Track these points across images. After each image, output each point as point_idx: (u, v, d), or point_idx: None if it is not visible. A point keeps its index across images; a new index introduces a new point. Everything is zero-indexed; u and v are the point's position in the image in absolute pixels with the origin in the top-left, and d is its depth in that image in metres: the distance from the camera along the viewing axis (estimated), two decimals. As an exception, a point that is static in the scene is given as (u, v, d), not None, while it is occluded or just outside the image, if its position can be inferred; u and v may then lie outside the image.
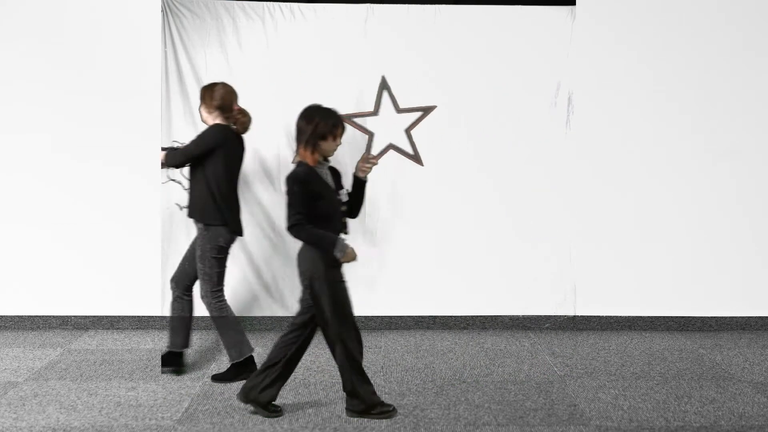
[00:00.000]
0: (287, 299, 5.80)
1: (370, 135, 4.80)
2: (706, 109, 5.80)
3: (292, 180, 3.87)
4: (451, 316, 5.89)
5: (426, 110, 4.70)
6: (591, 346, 5.45)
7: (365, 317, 5.87)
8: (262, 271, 5.81)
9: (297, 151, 3.97)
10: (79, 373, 4.77)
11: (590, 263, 5.83)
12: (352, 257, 3.93)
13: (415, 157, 4.58)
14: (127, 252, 5.73)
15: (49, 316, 5.82)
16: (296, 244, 5.80)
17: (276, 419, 4.02)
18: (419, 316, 5.89)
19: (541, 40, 5.77)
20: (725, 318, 5.92)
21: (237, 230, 4.74)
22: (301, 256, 3.99)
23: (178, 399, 4.31)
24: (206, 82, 5.69)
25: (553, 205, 5.81)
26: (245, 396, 4.07)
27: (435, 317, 5.91)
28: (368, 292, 5.83)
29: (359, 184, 4.08)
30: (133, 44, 5.68)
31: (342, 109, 4.26)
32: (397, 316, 5.88)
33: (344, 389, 4.08)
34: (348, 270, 5.78)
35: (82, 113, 5.68)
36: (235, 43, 5.72)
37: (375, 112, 4.70)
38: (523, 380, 4.67)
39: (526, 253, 5.82)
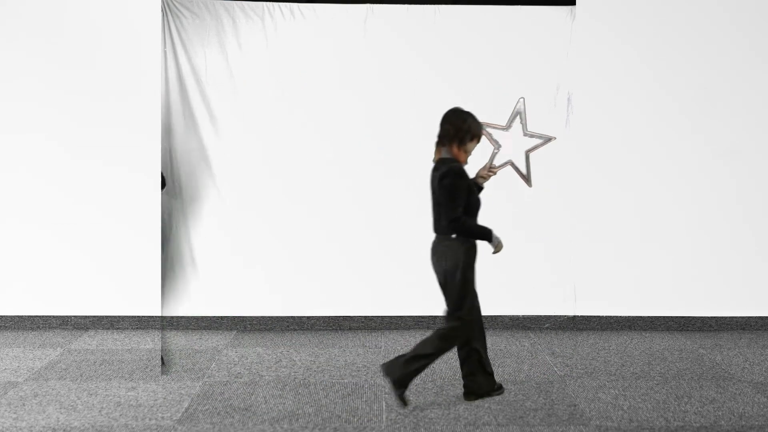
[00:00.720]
0: (288, 298, 5.80)
1: (498, 147, 4.96)
2: (706, 109, 5.80)
3: (455, 175, 4.04)
4: (451, 316, 5.88)
5: (547, 140, 4.96)
6: (591, 346, 5.45)
7: (365, 317, 5.87)
8: (264, 270, 5.81)
9: (444, 150, 4.14)
10: (79, 373, 4.76)
11: (590, 263, 5.83)
12: (502, 248, 4.22)
13: (527, 178, 4.83)
14: (127, 252, 5.73)
15: (49, 316, 5.82)
16: (298, 244, 5.85)
17: (277, 420, 4.02)
18: (419, 316, 5.88)
19: (541, 40, 5.77)
20: (725, 318, 5.91)
21: None
22: (446, 249, 4.11)
23: (178, 399, 4.31)
24: (206, 82, 5.72)
25: (553, 205, 5.81)
26: (478, 396, 4.29)
27: (435, 317, 5.90)
28: (368, 292, 5.83)
29: (477, 189, 4.33)
30: (133, 44, 5.68)
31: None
32: (397, 316, 5.88)
33: (409, 353, 4.11)
34: (347, 269, 5.82)
35: (82, 113, 5.68)
36: (235, 43, 5.72)
37: (506, 128, 4.90)
38: (523, 380, 4.66)
39: (526, 253, 5.82)
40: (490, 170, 4.40)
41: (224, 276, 5.78)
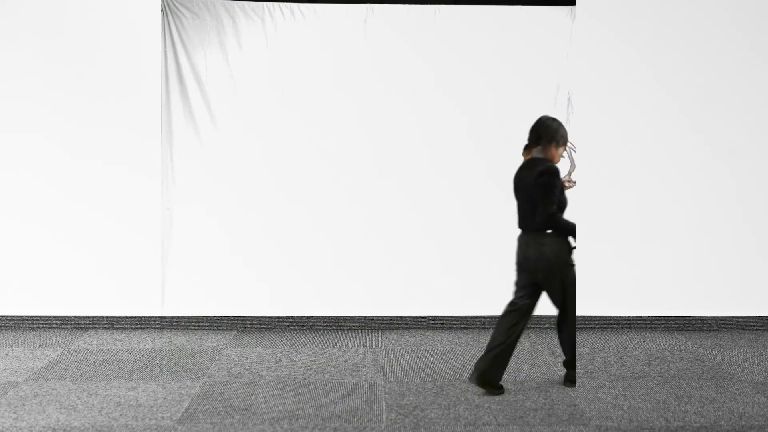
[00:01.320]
0: (288, 298, 5.81)
1: (574, 163, 5.23)
2: (706, 109, 5.80)
3: (551, 174, 4.29)
4: (451, 316, 5.89)
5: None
6: (591, 346, 5.45)
7: (365, 317, 5.87)
8: (265, 270, 5.81)
9: (536, 150, 4.39)
10: (79, 373, 4.77)
11: (590, 263, 5.82)
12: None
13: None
14: (127, 252, 5.73)
15: (49, 316, 5.82)
16: (298, 244, 5.85)
17: (277, 420, 4.02)
18: (419, 316, 5.89)
19: (541, 40, 5.77)
20: (725, 318, 5.91)
21: None
22: (544, 243, 4.32)
23: (178, 399, 4.31)
24: (206, 82, 5.72)
25: (553, 205, 5.81)
26: (482, 380, 4.35)
27: (435, 317, 5.91)
28: (368, 291, 5.83)
29: None
30: (133, 44, 5.68)
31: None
32: (397, 316, 5.88)
33: (565, 361, 4.58)
34: (347, 269, 5.82)
35: (82, 113, 5.69)
36: (235, 43, 5.72)
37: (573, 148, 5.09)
38: (523, 380, 4.66)
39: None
40: (568, 182, 4.77)
41: (224, 276, 5.78)
